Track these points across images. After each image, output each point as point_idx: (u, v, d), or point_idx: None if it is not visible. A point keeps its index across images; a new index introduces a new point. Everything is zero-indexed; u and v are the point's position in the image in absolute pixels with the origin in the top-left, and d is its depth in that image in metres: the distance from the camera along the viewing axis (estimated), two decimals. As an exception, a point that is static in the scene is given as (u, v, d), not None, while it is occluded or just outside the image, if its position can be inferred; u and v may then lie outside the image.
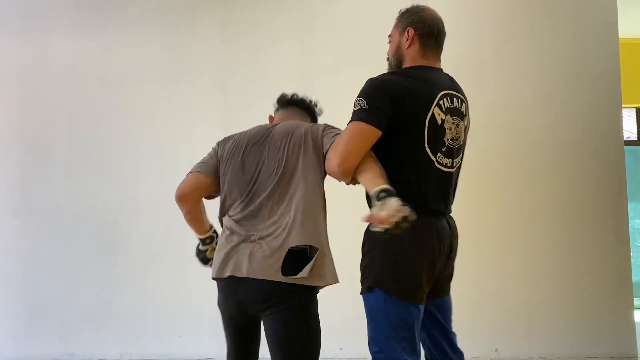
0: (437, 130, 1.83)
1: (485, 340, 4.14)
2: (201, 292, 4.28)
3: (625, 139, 4.73)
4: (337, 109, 4.48)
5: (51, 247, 4.34)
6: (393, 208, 1.58)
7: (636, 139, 6.49)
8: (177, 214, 4.47)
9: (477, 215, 4.21)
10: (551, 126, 4.33)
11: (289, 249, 1.86)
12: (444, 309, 2.00)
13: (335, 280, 1.92)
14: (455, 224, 2.00)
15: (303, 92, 4.54)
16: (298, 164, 1.95)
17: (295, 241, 1.86)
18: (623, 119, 4.62)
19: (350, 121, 1.87)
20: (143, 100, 4.44)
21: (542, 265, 4.22)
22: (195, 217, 2.35)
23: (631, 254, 4.39)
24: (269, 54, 4.45)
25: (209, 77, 4.46)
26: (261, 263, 1.86)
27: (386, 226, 1.58)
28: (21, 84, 4.49)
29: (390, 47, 2.07)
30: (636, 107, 6.47)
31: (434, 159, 1.83)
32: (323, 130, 2.06)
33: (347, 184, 1.91)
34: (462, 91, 2.02)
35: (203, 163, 2.32)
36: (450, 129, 1.87)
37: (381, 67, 4.51)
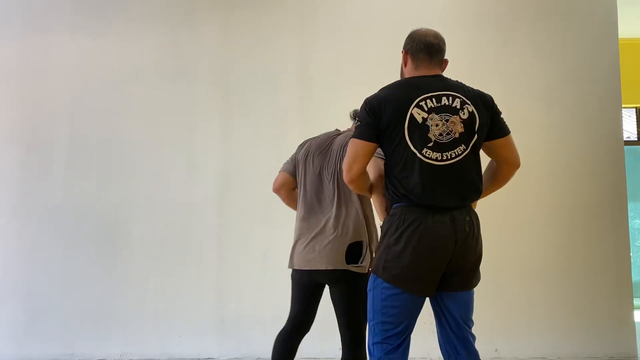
0: (418, 127, 2.03)
1: (485, 340, 4.12)
2: (201, 292, 4.30)
3: (625, 139, 4.73)
4: (337, 109, 4.50)
5: (51, 247, 4.34)
6: None
7: (636, 139, 6.49)
8: (177, 214, 4.52)
9: (477, 215, 4.21)
10: (551, 126, 4.33)
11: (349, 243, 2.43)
12: (459, 303, 2.10)
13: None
14: (470, 218, 2.10)
15: (303, 91, 4.58)
16: None
17: (352, 238, 2.42)
18: (623, 119, 4.62)
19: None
20: (143, 100, 4.44)
21: (542, 265, 4.22)
22: (290, 203, 2.94)
23: (631, 254, 4.39)
24: (269, 54, 4.45)
25: (209, 77, 4.46)
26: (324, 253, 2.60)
27: None
28: (21, 84, 4.49)
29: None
30: (636, 107, 6.47)
31: (418, 153, 2.03)
32: (346, 145, 2.40)
33: (361, 194, 2.32)
34: (463, 91, 2.17)
35: (287, 163, 2.76)
36: (437, 125, 2.04)
37: (381, 67, 4.52)
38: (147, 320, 4.27)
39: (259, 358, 4.21)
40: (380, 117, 2.05)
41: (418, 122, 2.03)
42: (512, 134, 4.54)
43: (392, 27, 4.45)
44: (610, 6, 4.43)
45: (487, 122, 2.17)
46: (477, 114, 2.12)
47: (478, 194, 2.16)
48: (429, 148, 2.03)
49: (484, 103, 2.20)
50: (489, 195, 4.39)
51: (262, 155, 4.35)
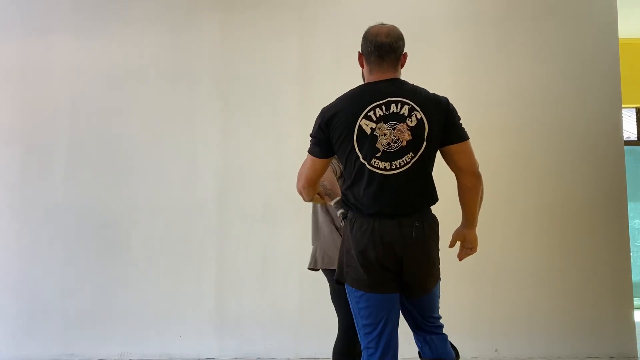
0: (367, 138, 2.03)
1: (485, 340, 4.14)
2: (201, 292, 4.30)
3: (625, 139, 4.73)
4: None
5: (51, 247, 4.34)
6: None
7: (636, 139, 6.49)
8: (177, 214, 4.52)
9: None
10: (551, 126, 4.33)
11: None
12: (422, 307, 2.19)
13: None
14: (421, 224, 2.09)
15: (303, 91, 4.58)
16: None
17: None
18: (623, 119, 4.62)
19: None
20: (143, 100, 4.44)
21: (542, 265, 4.22)
22: None
23: (631, 254, 4.38)
24: (269, 54, 4.45)
25: (209, 77, 4.46)
26: None
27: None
28: (21, 84, 4.49)
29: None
30: (636, 107, 6.47)
31: (367, 164, 2.03)
32: None
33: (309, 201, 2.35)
34: (415, 96, 2.12)
35: None
36: (385, 135, 2.03)
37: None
38: (147, 320, 4.27)
39: (259, 358, 4.21)
40: (331, 132, 2.09)
41: (367, 133, 2.03)
42: (512, 134, 4.57)
43: (392, 27, 4.45)
44: (610, 6, 4.43)
45: (439, 128, 2.09)
46: (427, 120, 2.06)
47: (429, 200, 2.15)
48: (377, 158, 2.03)
49: (437, 108, 2.10)
50: (489, 196, 4.38)
51: (262, 155, 4.35)
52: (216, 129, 4.42)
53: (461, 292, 4.13)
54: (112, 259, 4.31)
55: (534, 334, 4.17)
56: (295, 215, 4.24)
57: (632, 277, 4.26)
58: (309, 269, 2.71)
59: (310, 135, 2.15)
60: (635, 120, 6.50)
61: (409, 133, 2.04)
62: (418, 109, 2.05)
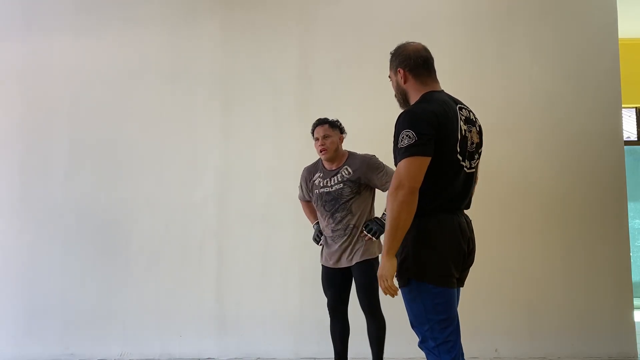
0: (464, 140, 2.13)
1: (485, 340, 4.14)
2: (201, 292, 4.30)
3: (625, 139, 4.73)
4: (337, 109, 4.51)
5: (51, 247, 4.34)
6: None
7: (636, 139, 6.49)
8: (176, 214, 4.52)
9: (477, 215, 4.20)
10: (551, 126, 4.33)
11: None
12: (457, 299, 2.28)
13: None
14: (469, 219, 2.25)
15: (303, 91, 4.58)
16: None
17: None
18: (623, 119, 4.62)
19: (404, 155, 2.04)
20: (143, 100, 4.44)
21: (542, 265, 4.22)
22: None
23: (631, 254, 4.38)
24: (269, 54, 4.45)
25: (209, 77, 4.45)
26: None
27: None
28: (21, 84, 4.49)
29: (393, 86, 2.35)
30: (636, 107, 6.47)
31: (464, 165, 2.13)
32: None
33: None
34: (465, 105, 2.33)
35: None
36: (469, 137, 2.17)
37: (381, 67, 4.51)
38: (147, 320, 4.27)
39: (259, 358, 4.21)
40: (439, 131, 2.05)
41: (464, 134, 2.13)
42: (511, 134, 4.57)
43: (392, 27, 4.45)
44: (610, 6, 4.43)
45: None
46: (480, 127, 2.27)
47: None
48: (467, 158, 2.15)
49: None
50: (489, 195, 4.40)
51: (262, 155, 4.36)
52: (216, 129, 4.42)
53: (461, 292, 4.13)
54: (112, 259, 4.31)
55: (534, 334, 4.17)
56: (295, 215, 4.24)
57: (632, 277, 4.26)
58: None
59: (417, 135, 2.01)
60: (635, 120, 6.50)
61: (478, 136, 2.23)
62: (476, 116, 2.27)
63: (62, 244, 4.34)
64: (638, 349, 4.16)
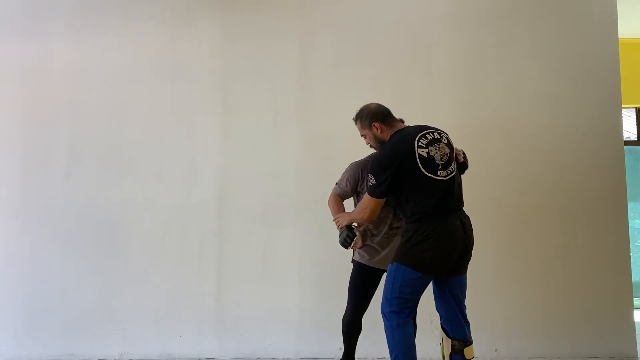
0: (429, 160, 2.75)
1: (485, 340, 4.14)
2: (201, 292, 4.30)
3: (625, 139, 4.73)
4: (337, 109, 4.51)
5: (51, 247, 4.34)
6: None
7: (636, 139, 6.49)
8: (177, 214, 4.51)
9: (477, 215, 4.21)
10: (551, 126, 4.33)
11: None
12: (461, 285, 2.93)
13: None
14: (469, 220, 2.89)
15: (303, 91, 4.58)
16: None
17: None
18: (623, 119, 4.62)
19: (369, 193, 2.85)
20: (143, 100, 4.44)
21: (542, 265, 4.22)
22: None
23: (631, 254, 4.38)
24: (269, 54, 4.45)
25: (209, 77, 4.45)
26: None
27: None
28: (21, 84, 4.49)
29: (370, 140, 3.01)
30: (636, 107, 6.47)
31: (434, 176, 2.74)
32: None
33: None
34: (431, 126, 2.92)
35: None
36: (437, 153, 2.77)
37: (381, 67, 4.51)
38: (147, 320, 4.27)
39: (259, 358, 4.21)
40: (399, 167, 2.74)
41: (424, 156, 2.75)
42: (511, 134, 4.58)
43: (392, 27, 4.45)
44: (610, 6, 4.43)
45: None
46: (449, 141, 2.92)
47: (463, 202, 2.93)
48: (440, 169, 2.75)
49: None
50: (489, 195, 4.41)
51: (262, 155, 4.35)
52: (216, 129, 4.42)
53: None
54: (112, 259, 4.31)
55: (534, 334, 4.18)
56: (295, 215, 4.24)
57: (632, 277, 4.26)
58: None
59: (376, 181, 2.77)
60: (635, 120, 6.50)
61: (447, 148, 2.82)
62: (442, 132, 2.89)
63: (62, 243, 4.34)
64: (638, 349, 4.16)
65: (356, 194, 3.24)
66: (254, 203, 4.32)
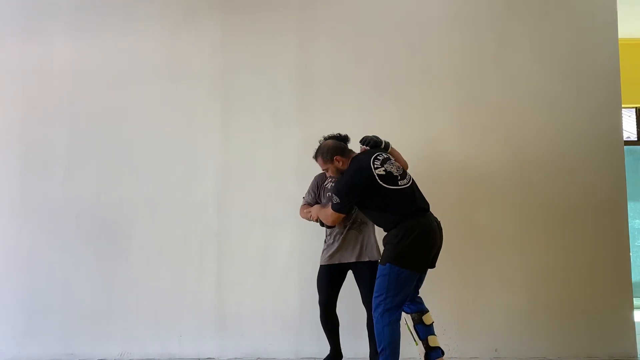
0: (387, 175, 3.19)
1: (485, 340, 4.14)
2: (201, 292, 4.30)
3: (625, 139, 4.73)
4: (337, 109, 4.51)
5: (51, 247, 4.34)
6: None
7: (636, 139, 6.49)
8: (177, 214, 4.51)
9: (477, 215, 4.22)
10: (551, 126, 4.33)
11: None
12: (422, 279, 3.29)
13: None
14: (438, 220, 3.27)
15: (303, 91, 4.58)
16: None
17: None
18: (623, 119, 4.62)
19: (333, 208, 3.27)
20: (143, 100, 4.44)
21: (541, 265, 4.22)
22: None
23: (631, 254, 4.38)
24: (269, 54, 4.45)
25: (209, 77, 4.46)
26: None
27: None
28: (21, 84, 4.49)
29: (332, 173, 3.42)
30: (636, 107, 6.47)
31: (396, 187, 3.17)
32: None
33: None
34: (378, 150, 3.37)
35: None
36: (392, 168, 3.23)
37: (381, 67, 4.51)
38: (147, 320, 4.27)
39: (259, 358, 4.21)
40: (361, 190, 3.19)
41: (383, 174, 3.18)
42: (511, 134, 4.59)
43: (392, 27, 4.45)
44: (610, 6, 4.43)
45: None
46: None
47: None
48: (399, 180, 3.19)
49: None
50: (489, 196, 4.41)
51: (262, 155, 4.36)
52: (216, 129, 4.42)
53: (461, 292, 4.13)
54: (112, 259, 4.31)
55: (534, 334, 4.17)
56: (295, 215, 4.23)
57: (632, 277, 4.25)
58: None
59: (340, 201, 3.20)
60: (635, 120, 6.50)
61: (396, 162, 3.31)
62: (387, 153, 3.39)
63: (62, 243, 4.34)
64: (638, 349, 4.16)
65: (320, 200, 3.69)
66: (254, 203, 4.32)
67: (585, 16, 4.44)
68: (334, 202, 3.22)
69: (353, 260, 3.51)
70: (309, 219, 3.62)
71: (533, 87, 4.36)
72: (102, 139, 4.41)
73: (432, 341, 3.25)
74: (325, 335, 3.64)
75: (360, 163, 3.24)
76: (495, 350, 4.16)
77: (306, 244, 4.22)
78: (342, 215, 3.30)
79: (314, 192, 3.73)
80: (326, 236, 3.65)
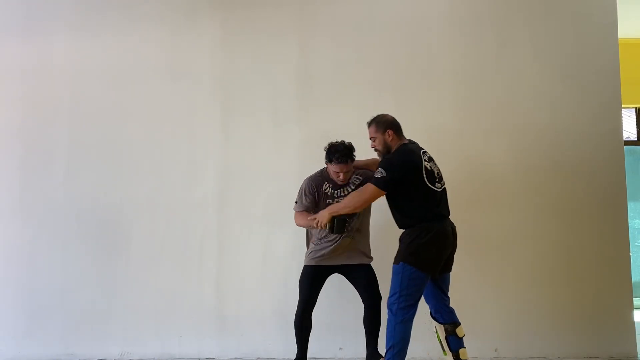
0: (430, 172, 3.22)
1: (485, 340, 4.14)
2: (201, 292, 4.30)
3: (625, 139, 4.73)
4: (337, 109, 4.51)
5: (51, 247, 4.34)
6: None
7: (636, 139, 6.49)
8: (176, 214, 4.52)
9: (477, 215, 4.22)
10: (551, 126, 4.33)
11: None
12: (447, 280, 3.34)
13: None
14: (454, 226, 3.30)
15: (303, 91, 4.58)
16: None
17: None
18: (623, 119, 4.62)
19: (373, 182, 3.19)
20: (143, 100, 4.44)
21: (542, 265, 4.22)
22: None
23: (631, 254, 4.38)
24: (269, 54, 4.45)
25: (209, 77, 4.46)
26: None
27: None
28: (21, 84, 4.49)
29: (379, 144, 3.34)
30: (636, 107, 6.48)
31: (432, 187, 3.20)
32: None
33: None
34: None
35: None
36: (434, 168, 3.27)
37: (381, 67, 4.51)
38: (147, 320, 4.27)
39: (259, 358, 4.21)
40: (407, 172, 3.17)
41: (428, 169, 3.21)
42: (511, 134, 4.59)
43: (392, 27, 4.45)
44: (610, 6, 4.43)
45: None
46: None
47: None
48: (436, 182, 3.23)
49: None
50: (489, 196, 4.41)
51: (262, 155, 4.36)
52: (216, 129, 4.42)
53: (461, 292, 4.13)
54: (112, 259, 4.32)
55: (534, 334, 4.18)
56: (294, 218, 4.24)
57: (632, 277, 4.26)
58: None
59: (386, 175, 3.12)
60: (635, 120, 6.50)
61: (437, 167, 3.32)
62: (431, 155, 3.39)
63: (62, 243, 4.34)
64: (638, 349, 4.16)
65: (317, 205, 3.56)
66: (254, 203, 4.32)
67: (585, 16, 4.44)
68: (378, 176, 3.13)
69: (344, 263, 3.53)
70: (312, 227, 3.47)
71: (533, 87, 4.36)
72: (102, 139, 4.41)
73: (463, 354, 3.27)
74: (296, 338, 3.61)
75: (413, 148, 3.26)
76: (495, 350, 4.16)
77: (306, 244, 4.22)
78: (377, 197, 3.20)
79: (312, 195, 3.60)
80: (314, 238, 3.63)
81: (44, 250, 4.34)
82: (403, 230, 3.25)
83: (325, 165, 3.63)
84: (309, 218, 3.45)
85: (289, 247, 4.28)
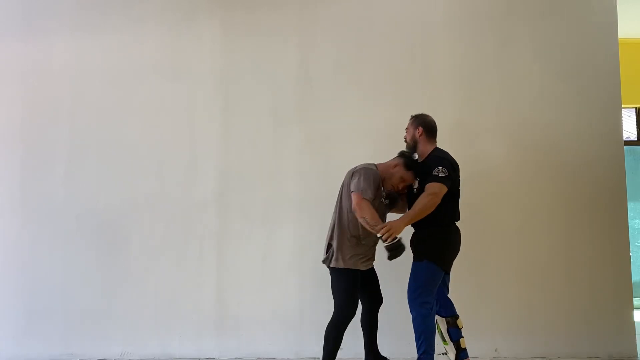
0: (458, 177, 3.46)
1: (485, 340, 4.14)
2: (201, 292, 4.30)
3: (625, 139, 4.73)
4: (337, 109, 4.51)
5: (51, 247, 4.34)
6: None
7: (636, 139, 6.49)
8: (176, 214, 4.51)
9: (478, 215, 4.21)
10: (551, 126, 4.33)
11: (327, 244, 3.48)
12: (448, 276, 3.51)
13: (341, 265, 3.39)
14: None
15: (303, 91, 4.59)
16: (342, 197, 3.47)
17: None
18: (623, 119, 4.62)
19: (435, 182, 3.27)
20: (143, 100, 4.44)
21: (542, 265, 4.22)
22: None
23: (631, 254, 4.38)
24: (269, 54, 4.45)
25: (209, 77, 4.46)
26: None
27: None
28: (22, 84, 4.49)
29: (408, 135, 3.52)
30: (636, 107, 6.48)
31: (459, 191, 3.46)
32: (352, 176, 3.40)
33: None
34: None
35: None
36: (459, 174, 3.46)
37: (381, 67, 4.51)
38: (147, 320, 4.27)
39: (259, 358, 4.21)
40: (456, 172, 3.38)
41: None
42: (511, 134, 4.58)
43: (392, 27, 4.45)
44: (610, 6, 4.43)
45: None
46: None
47: None
48: (460, 185, 3.44)
49: None
50: (489, 196, 4.41)
51: (262, 155, 4.35)
52: (216, 129, 4.42)
53: (461, 292, 4.13)
54: (112, 259, 4.32)
55: (533, 334, 4.18)
56: (295, 215, 4.24)
57: (632, 277, 4.26)
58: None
59: (448, 173, 3.26)
60: (635, 120, 6.50)
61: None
62: None
63: (62, 243, 4.34)
64: (638, 349, 4.17)
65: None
66: (254, 203, 4.32)
67: (585, 16, 4.44)
68: (443, 175, 3.25)
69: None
70: (371, 228, 3.21)
71: (533, 87, 4.36)
72: (102, 139, 4.41)
73: (463, 343, 3.48)
74: (332, 347, 3.42)
75: (447, 152, 3.45)
76: (495, 350, 4.16)
77: (306, 244, 4.22)
78: (445, 190, 3.27)
79: (374, 191, 3.31)
80: (351, 238, 3.36)
81: (44, 250, 4.34)
82: (419, 229, 3.39)
83: (372, 164, 3.45)
84: (375, 224, 3.19)
85: (289, 247, 4.28)
